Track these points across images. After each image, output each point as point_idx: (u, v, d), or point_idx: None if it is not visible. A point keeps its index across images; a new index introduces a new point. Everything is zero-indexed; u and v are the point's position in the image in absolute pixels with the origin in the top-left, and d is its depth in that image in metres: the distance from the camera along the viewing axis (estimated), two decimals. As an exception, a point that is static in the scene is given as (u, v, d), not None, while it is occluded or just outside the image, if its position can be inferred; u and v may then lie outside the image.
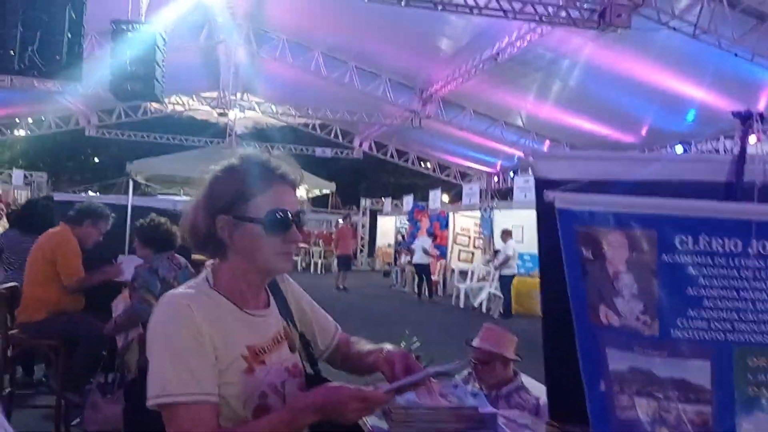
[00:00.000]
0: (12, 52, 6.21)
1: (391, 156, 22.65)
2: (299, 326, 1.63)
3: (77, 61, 6.40)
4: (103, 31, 10.21)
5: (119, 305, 4.41)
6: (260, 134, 23.68)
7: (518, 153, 16.65)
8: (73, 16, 7.14)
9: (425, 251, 15.59)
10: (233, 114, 18.68)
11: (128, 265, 4.54)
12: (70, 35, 6.59)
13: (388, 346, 1.67)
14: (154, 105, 19.55)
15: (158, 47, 8.31)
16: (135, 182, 12.52)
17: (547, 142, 15.55)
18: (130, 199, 6.07)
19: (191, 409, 1.30)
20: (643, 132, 12.86)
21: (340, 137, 22.08)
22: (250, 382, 1.39)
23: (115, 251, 5.43)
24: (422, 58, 13.69)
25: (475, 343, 3.29)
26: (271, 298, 1.58)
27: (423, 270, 15.74)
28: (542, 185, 1.76)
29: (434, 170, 23.24)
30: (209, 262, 1.54)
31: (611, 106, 12.33)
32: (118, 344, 4.03)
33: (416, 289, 16.05)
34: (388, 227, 24.82)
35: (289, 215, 1.44)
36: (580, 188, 1.66)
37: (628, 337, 1.50)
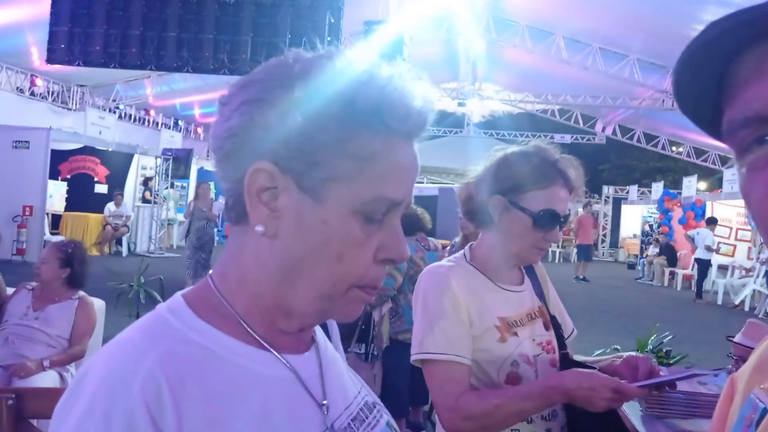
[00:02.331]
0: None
1: (638, 140, 21.21)
2: (550, 310, 1.68)
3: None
4: (354, 32, 11.09)
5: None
6: (497, 122, 23.73)
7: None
8: (332, 20, 7.90)
9: (708, 248, 13.93)
10: (472, 103, 18.99)
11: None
12: (329, 38, 7.31)
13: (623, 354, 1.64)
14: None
15: (404, 43, 8.81)
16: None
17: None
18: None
19: (444, 367, 1.44)
20: None
21: (580, 122, 21.26)
22: (502, 350, 1.48)
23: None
24: (676, 36, 12.60)
25: (737, 338, 3.01)
26: (526, 276, 1.65)
27: (703, 267, 14.12)
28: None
29: (687, 155, 21.25)
30: (456, 239, 1.66)
31: None
32: (374, 318, 4.40)
33: (695, 287, 14.49)
34: (633, 216, 23.29)
35: (560, 217, 1.50)
36: None
37: None
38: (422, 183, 15.77)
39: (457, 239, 5.15)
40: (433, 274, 1.54)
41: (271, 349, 0.71)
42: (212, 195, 9.23)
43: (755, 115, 0.53)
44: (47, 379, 3.17)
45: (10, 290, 3.65)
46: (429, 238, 4.48)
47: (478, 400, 1.41)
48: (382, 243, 0.70)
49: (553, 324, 1.64)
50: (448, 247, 5.22)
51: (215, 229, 8.98)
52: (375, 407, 0.83)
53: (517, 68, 17.54)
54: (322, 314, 0.72)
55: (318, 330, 0.83)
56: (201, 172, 17.36)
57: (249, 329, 0.70)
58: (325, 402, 0.73)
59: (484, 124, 23.95)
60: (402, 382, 3.94)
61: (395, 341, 4.07)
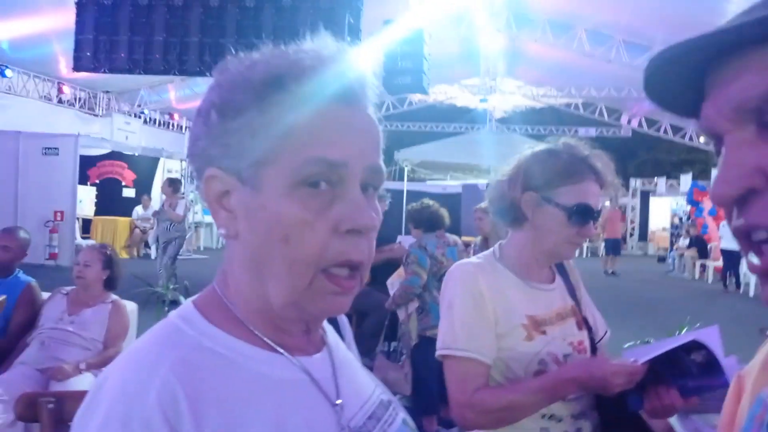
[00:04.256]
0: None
1: (665, 132, 20.92)
2: (582, 310, 1.67)
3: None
4: (374, 31, 11.11)
5: (395, 283, 4.81)
6: (520, 117, 23.58)
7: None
8: (351, 21, 7.93)
9: None
10: (494, 99, 18.89)
11: (406, 244, 4.97)
12: (349, 39, 7.33)
13: None
14: (418, 95, 20.63)
15: (424, 41, 8.81)
16: (402, 169, 13.43)
17: None
18: (405, 185, 6.58)
19: (462, 364, 1.45)
20: None
21: (605, 115, 21.02)
22: (529, 348, 1.47)
23: (395, 232, 5.95)
24: (699, 26, 12.37)
25: (772, 331, 2.96)
26: (557, 275, 1.65)
27: (730, 258, 13.81)
28: None
29: (716, 145, 20.88)
30: (477, 239, 1.66)
31: None
32: (400, 316, 4.44)
33: (723, 278, 14.19)
34: (662, 209, 22.94)
35: (594, 212, 1.50)
36: None
37: None
38: (445, 180, 15.74)
39: (477, 240, 5.16)
40: (459, 271, 1.55)
41: (284, 352, 0.70)
42: (181, 193, 8.98)
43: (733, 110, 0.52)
44: (83, 382, 3.23)
45: (44, 294, 3.74)
46: (447, 234, 4.51)
47: (491, 396, 1.42)
48: (341, 214, 0.66)
49: (585, 325, 1.63)
50: (471, 246, 5.23)
51: (183, 232, 8.68)
52: (390, 405, 0.83)
53: (538, 63, 17.40)
54: (297, 308, 0.69)
55: (330, 330, 0.82)
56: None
57: (258, 332, 0.70)
58: (339, 402, 0.73)
59: (506, 120, 23.81)
60: (432, 379, 3.94)
61: (424, 338, 4.09)
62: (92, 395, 0.63)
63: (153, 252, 14.40)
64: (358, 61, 0.71)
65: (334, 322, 0.87)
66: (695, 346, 1.36)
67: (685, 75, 0.56)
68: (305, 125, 0.66)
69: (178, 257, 8.60)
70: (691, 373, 1.38)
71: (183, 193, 9.14)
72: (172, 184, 8.69)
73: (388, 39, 9.05)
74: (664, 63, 0.56)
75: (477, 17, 14.53)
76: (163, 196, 8.68)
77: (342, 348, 0.83)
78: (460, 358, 1.45)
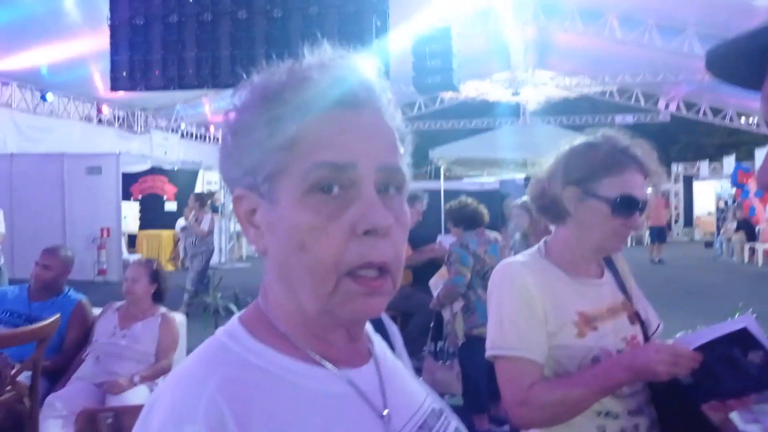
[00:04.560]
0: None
1: (704, 114, 20.40)
2: (634, 304, 1.63)
3: (386, 65, 7.11)
4: (400, 33, 11.11)
5: (438, 283, 4.80)
6: (553, 108, 23.26)
7: None
8: (378, 24, 7.94)
9: None
10: (526, 92, 18.70)
11: (446, 243, 4.95)
12: (377, 41, 7.35)
13: None
14: (450, 93, 20.55)
15: (452, 39, 8.78)
16: (438, 168, 13.37)
17: None
18: (442, 184, 6.57)
19: (514, 364, 1.44)
20: None
21: (642, 101, 20.61)
22: (581, 345, 1.45)
23: (435, 232, 5.94)
24: (733, 4, 12.06)
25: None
26: (606, 270, 1.61)
27: None
28: None
29: (758, 125, 20.28)
30: (516, 235, 1.63)
31: None
32: (445, 317, 4.42)
33: None
34: (706, 193, 22.39)
35: (638, 202, 1.47)
36: None
37: None
38: (482, 177, 15.64)
39: (517, 237, 5.11)
40: (505, 270, 1.53)
41: (328, 365, 0.70)
42: (202, 205, 8.80)
43: None
44: (138, 395, 3.31)
45: (96, 309, 3.85)
46: (487, 231, 4.48)
47: (545, 390, 1.40)
48: (356, 216, 0.65)
49: (638, 319, 1.59)
50: (510, 242, 5.18)
51: (209, 246, 8.49)
52: (442, 414, 0.81)
53: (569, 52, 17.16)
54: (330, 315, 0.68)
55: (377, 341, 0.81)
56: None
57: (301, 347, 0.70)
58: (386, 413, 0.72)
59: (540, 112, 23.54)
60: (480, 377, 3.93)
61: (471, 337, 4.07)
62: (145, 415, 0.65)
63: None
64: (362, 65, 0.71)
65: (384, 332, 0.87)
66: (749, 341, 1.32)
67: (750, 54, 0.57)
68: (309, 132, 0.66)
69: (221, 268, 8.67)
70: (750, 375, 1.34)
71: (217, 207, 9.10)
72: (198, 199, 8.73)
73: (416, 39, 9.04)
74: (729, 49, 0.57)
75: (504, 10, 14.41)
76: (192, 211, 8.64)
77: (390, 358, 0.81)
78: (511, 358, 1.43)
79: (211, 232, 8.66)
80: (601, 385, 1.38)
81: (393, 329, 0.90)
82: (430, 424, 0.77)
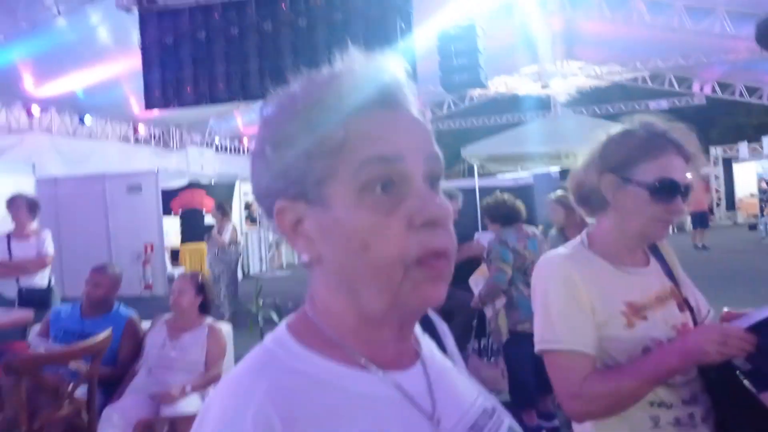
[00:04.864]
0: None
1: (740, 95, 19.90)
2: (682, 291, 1.60)
3: (412, 66, 7.14)
4: (425, 33, 11.12)
5: (478, 281, 4.78)
6: (585, 98, 22.94)
7: None
8: (403, 26, 7.98)
9: None
10: (555, 83, 18.51)
11: (483, 240, 4.94)
12: (402, 44, 7.39)
13: None
14: (478, 90, 20.46)
15: (477, 35, 8.76)
16: (472, 166, 13.34)
17: None
18: (476, 182, 6.56)
19: (565, 357, 1.42)
20: None
21: (675, 85, 20.21)
22: (631, 336, 1.43)
23: (471, 230, 5.94)
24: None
25: None
26: (651, 258, 1.58)
27: None
28: None
29: (799, 101, 19.72)
30: (552, 231, 1.61)
31: None
32: (487, 314, 4.40)
33: None
34: (747, 175, 21.81)
35: (679, 186, 1.43)
36: None
37: None
38: (516, 172, 15.52)
39: (553, 232, 5.06)
40: (549, 263, 1.52)
41: (375, 369, 0.70)
42: (223, 215, 8.61)
43: None
44: (191, 403, 3.39)
45: (144, 323, 3.96)
46: (525, 226, 4.44)
47: (598, 381, 1.38)
48: (411, 209, 0.66)
49: (688, 307, 1.56)
50: (547, 237, 5.14)
51: (236, 257, 8.25)
52: (494, 412, 0.80)
53: (598, 40, 16.93)
54: (397, 307, 0.68)
55: (424, 342, 0.81)
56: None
57: (349, 352, 0.70)
58: (435, 415, 0.72)
59: (571, 103, 23.25)
60: (526, 373, 3.91)
61: (514, 333, 4.04)
62: (199, 422, 0.67)
63: (239, 273, 14.90)
64: (394, 66, 0.73)
65: (434, 332, 0.87)
66: None
67: None
68: (355, 134, 0.67)
69: (261, 276, 8.68)
70: None
71: (255, 217, 8.97)
72: (220, 209, 8.62)
73: (441, 38, 9.04)
74: None
75: (529, 2, 14.30)
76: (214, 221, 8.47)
77: (438, 359, 0.81)
78: (561, 352, 1.42)
79: (233, 242, 8.49)
80: (653, 374, 1.35)
81: (443, 328, 0.90)
82: (481, 424, 0.77)
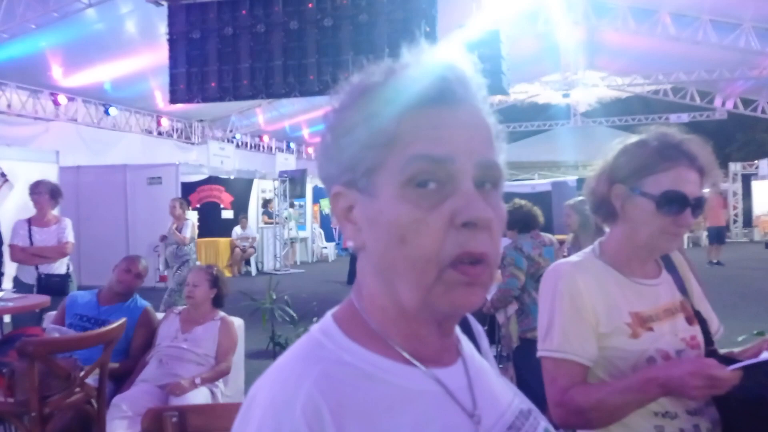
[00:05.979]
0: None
1: (762, 111, 19.66)
2: (694, 304, 1.58)
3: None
4: (449, 37, 11.13)
5: (492, 286, 4.78)
6: (605, 109, 22.83)
7: None
8: (427, 29, 8.00)
9: None
10: (576, 93, 18.43)
11: (501, 246, 4.91)
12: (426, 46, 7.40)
13: None
14: (499, 96, 20.40)
15: (501, 42, 8.75)
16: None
17: None
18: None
19: (554, 364, 1.45)
20: None
21: (697, 99, 20.02)
22: (634, 346, 1.42)
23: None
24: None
25: None
26: (663, 269, 1.57)
27: None
28: None
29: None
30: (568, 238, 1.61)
31: None
32: (498, 320, 4.40)
33: None
34: (766, 192, 21.53)
35: (688, 199, 1.40)
36: None
37: None
38: (533, 179, 15.48)
39: (569, 238, 5.04)
40: (556, 271, 1.52)
41: (418, 364, 0.71)
42: (184, 211, 8.25)
43: None
44: (199, 395, 3.43)
45: (158, 315, 4.01)
46: (542, 234, 4.43)
47: (581, 395, 1.39)
48: (454, 208, 0.66)
49: (698, 319, 1.54)
50: (565, 244, 5.13)
51: (190, 254, 7.94)
52: (531, 414, 0.81)
53: (621, 51, 16.83)
54: (430, 307, 0.68)
55: (464, 340, 0.81)
56: (316, 190, 18.05)
57: (393, 345, 0.71)
58: (476, 413, 0.72)
59: (591, 113, 23.13)
60: (535, 380, 3.88)
61: (525, 340, 4.03)
62: (246, 408, 0.68)
63: (253, 269, 15.00)
64: (459, 61, 0.72)
65: (470, 333, 0.87)
66: None
67: None
68: (407, 128, 0.68)
69: (276, 273, 8.57)
70: None
71: (271, 213, 8.72)
72: (182, 206, 8.28)
73: (465, 43, 9.04)
74: None
75: (553, 11, 14.26)
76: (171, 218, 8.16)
77: (477, 358, 0.81)
78: (556, 360, 1.44)
79: (193, 239, 8.13)
80: (637, 397, 1.35)
81: (478, 329, 0.92)
82: (519, 425, 0.77)
